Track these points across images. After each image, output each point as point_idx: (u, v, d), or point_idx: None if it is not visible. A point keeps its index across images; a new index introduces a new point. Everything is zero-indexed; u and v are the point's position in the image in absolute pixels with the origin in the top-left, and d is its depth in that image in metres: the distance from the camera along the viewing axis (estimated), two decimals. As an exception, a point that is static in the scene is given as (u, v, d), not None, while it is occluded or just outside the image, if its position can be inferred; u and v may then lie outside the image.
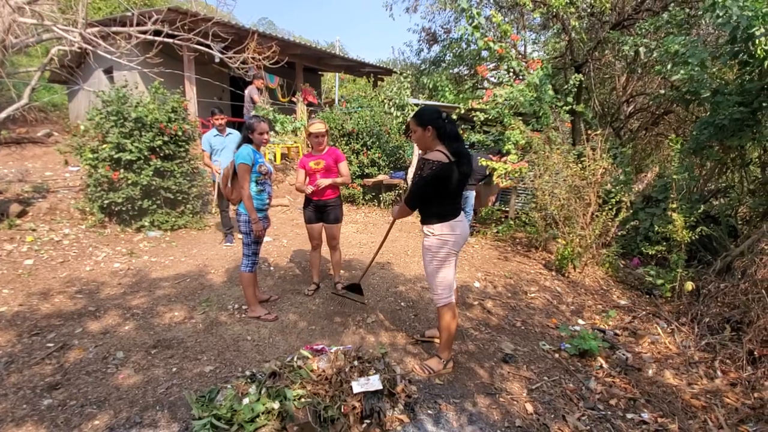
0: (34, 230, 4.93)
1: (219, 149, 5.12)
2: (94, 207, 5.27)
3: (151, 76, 5.19)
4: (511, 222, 6.38)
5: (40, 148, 8.80)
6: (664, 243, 4.61)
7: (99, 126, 5.21)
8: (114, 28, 4.75)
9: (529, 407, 2.44)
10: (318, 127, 3.54)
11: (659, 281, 4.21)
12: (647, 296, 4.37)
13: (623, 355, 3.10)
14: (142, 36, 4.64)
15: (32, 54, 12.17)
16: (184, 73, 7.83)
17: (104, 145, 5.11)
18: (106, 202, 5.15)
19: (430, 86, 10.48)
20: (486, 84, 11.46)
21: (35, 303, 3.47)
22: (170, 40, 4.79)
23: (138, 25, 4.64)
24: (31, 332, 3.01)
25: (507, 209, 7.24)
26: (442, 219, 2.53)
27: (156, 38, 4.70)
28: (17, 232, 4.81)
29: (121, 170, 5.12)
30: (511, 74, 6.71)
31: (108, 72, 9.83)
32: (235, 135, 5.17)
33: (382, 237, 3.27)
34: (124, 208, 5.24)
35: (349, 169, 4.90)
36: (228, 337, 3.04)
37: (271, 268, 4.48)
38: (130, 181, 5.13)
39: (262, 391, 2.15)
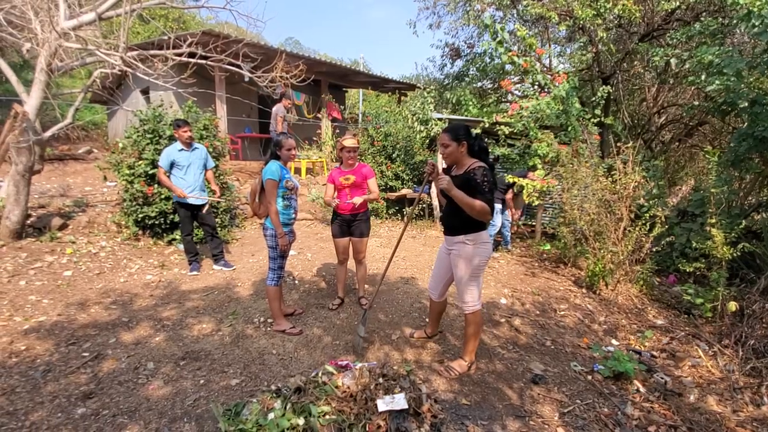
0: (73, 242, 5.17)
1: (185, 166, 4.52)
2: (129, 221, 5.49)
3: (184, 96, 5.43)
4: (542, 237, 6.24)
5: (81, 164, 9.28)
6: (703, 260, 4.39)
7: (136, 143, 5.46)
8: (152, 51, 5.01)
9: (562, 432, 2.34)
10: (351, 141, 3.59)
11: (698, 300, 4.00)
12: (685, 316, 4.15)
13: (661, 378, 2.94)
14: (178, 58, 4.87)
15: (75, 76, 12.97)
16: (216, 92, 8.14)
17: (140, 162, 5.34)
18: (140, 215, 5.36)
19: (454, 101, 10.50)
20: (510, 98, 11.39)
21: (73, 313, 3.62)
22: (203, 62, 5.00)
23: (174, 48, 4.87)
24: (68, 342, 3.13)
25: (533, 223, 7.10)
26: (481, 228, 2.71)
27: (190, 60, 4.92)
28: (58, 245, 5.05)
29: (156, 185, 5.33)
30: (536, 88, 6.65)
31: (145, 92, 10.34)
32: (201, 150, 4.70)
33: (397, 239, 3.29)
34: (157, 222, 5.43)
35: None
36: (254, 350, 3.07)
37: (296, 282, 4.52)
38: (163, 196, 5.33)
39: (288, 407, 2.15)
